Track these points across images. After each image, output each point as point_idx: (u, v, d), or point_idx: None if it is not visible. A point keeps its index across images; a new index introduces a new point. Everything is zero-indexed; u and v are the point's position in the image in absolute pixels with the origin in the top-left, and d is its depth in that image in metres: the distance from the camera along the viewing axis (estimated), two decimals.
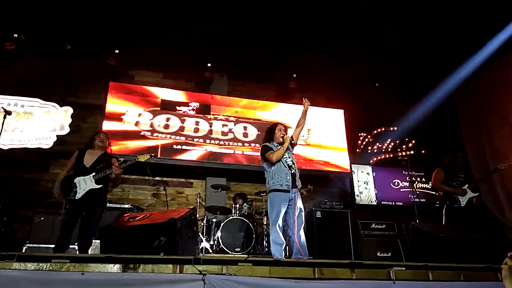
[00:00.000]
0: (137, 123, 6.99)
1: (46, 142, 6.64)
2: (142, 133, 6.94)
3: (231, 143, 7.30)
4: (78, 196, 4.38)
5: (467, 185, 5.27)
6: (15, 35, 6.81)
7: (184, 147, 7.03)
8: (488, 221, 6.77)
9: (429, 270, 3.19)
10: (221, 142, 7.26)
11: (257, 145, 7.20)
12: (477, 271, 3.32)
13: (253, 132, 7.52)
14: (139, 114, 7.07)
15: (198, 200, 6.20)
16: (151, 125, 7.05)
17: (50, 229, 5.23)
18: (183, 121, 7.24)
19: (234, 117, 7.55)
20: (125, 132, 6.84)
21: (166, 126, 7.12)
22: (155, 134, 6.99)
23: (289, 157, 4.35)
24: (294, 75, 8.09)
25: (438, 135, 8.36)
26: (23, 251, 5.01)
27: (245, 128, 7.54)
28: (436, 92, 7.89)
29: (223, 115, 7.49)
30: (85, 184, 4.44)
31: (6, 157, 6.32)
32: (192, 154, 7.03)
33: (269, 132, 4.60)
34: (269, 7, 6.67)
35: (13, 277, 2.50)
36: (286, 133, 4.47)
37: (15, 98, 6.71)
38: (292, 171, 4.28)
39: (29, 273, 2.59)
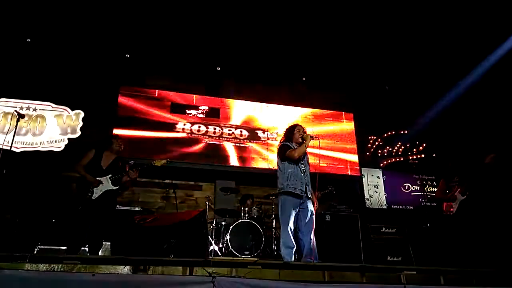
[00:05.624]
0: (149, 126, 7.04)
1: (58, 145, 6.72)
2: (154, 135, 6.99)
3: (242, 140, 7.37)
4: (95, 196, 4.42)
5: (458, 189, 5.15)
6: (28, 40, 6.97)
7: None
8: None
9: (441, 274, 3.15)
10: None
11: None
12: (490, 276, 3.27)
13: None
14: (150, 117, 7.13)
15: (207, 203, 6.21)
16: (164, 128, 7.10)
17: (62, 230, 5.27)
18: (192, 124, 7.27)
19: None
20: (136, 135, 6.90)
21: (176, 128, 7.17)
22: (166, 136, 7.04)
23: (303, 165, 4.37)
24: (304, 78, 8.08)
25: (449, 138, 8.27)
26: (35, 252, 5.06)
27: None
28: (448, 94, 7.84)
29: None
30: (102, 185, 4.48)
31: (19, 160, 6.40)
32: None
33: (288, 133, 4.57)
34: (278, 9, 6.66)
35: (25, 278, 2.53)
36: (306, 133, 4.45)
37: (27, 101, 6.80)
38: (305, 178, 4.30)
39: (41, 274, 2.62)
